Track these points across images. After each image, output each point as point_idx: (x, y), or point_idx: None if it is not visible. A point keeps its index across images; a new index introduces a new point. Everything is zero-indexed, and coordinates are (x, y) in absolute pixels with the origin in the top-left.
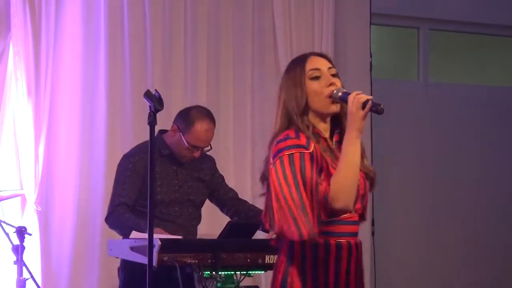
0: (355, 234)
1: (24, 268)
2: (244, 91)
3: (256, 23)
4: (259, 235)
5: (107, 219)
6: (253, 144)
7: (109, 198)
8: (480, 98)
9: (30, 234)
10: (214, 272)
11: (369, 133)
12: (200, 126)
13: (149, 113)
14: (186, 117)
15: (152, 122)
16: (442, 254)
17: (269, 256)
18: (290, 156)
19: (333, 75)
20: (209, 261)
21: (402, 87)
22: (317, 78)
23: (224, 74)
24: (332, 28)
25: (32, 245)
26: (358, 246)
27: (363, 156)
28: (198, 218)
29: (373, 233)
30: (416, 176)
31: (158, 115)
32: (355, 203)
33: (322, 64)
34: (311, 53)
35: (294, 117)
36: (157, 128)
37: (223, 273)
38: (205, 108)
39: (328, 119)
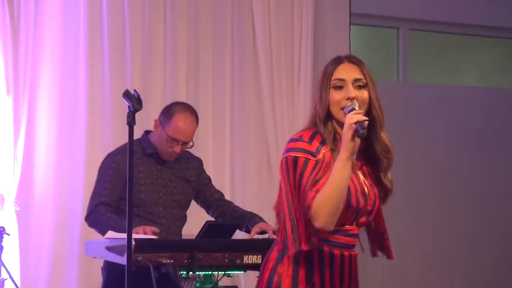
0: (351, 246)
1: (2, 268)
2: (223, 91)
3: (235, 23)
4: (239, 235)
5: (86, 218)
6: (232, 143)
7: (88, 197)
8: (460, 98)
9: (8, 234)
10: (191, 272)
11: None
12: (179, 118)
13: (128, 113)
14: (167, 110)
15: (131, 122)
16: (429, 257)
17: (248, 256)
18: (295, 158)
19: (360, 86)
20: (185, 261)
21: (381, 88)
22: (339, 88)
23: (203, 73)
24: (312, 27)
25: (11, 245)
26: (352, 258)
27: (386, 170)
28: (183, 219)
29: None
30: (396, 177)
31: (137, 114)
32: (360, 217)
33: (350, 75)
34: (347, 57)
35: (317, 118)
36: (136, 128)
37: (201, 273)
38: (188, 104)
39: None
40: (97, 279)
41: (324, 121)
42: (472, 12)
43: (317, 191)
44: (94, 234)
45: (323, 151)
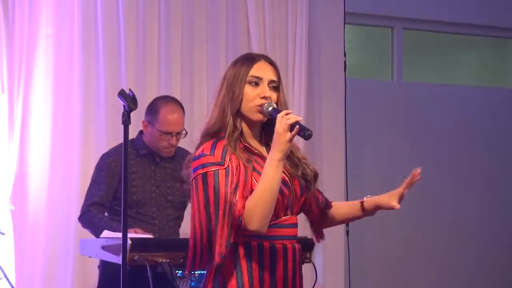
0: (292, 238)
1: None
2: None
3: (230, 24)
4: None
5: (80, 218)
6: None
7: (83, 196)
8: (454, 97)
9: (3, 234)
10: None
11: (343, 132)
12: (165, 110)
13: (123, 112)
14: (151, 108)
15: (126, 121)
16: (417, 252)
17: None
18: (204, 175)
19: (274, 88)
20: (181, 260)
21: (376, 87)
22: (255, 84)
23: (198, 73)
24: (306, 27)
25: (6, 244)
26: (295, 249)
27: (300, 159)
28: (177, 219)
29: (347, 232)
30: (391, 176)
31: (132, 114)
32: (293, 206)
33: (267, 74)
34: (263, 56)
35: (226, 112)
36: (131, 128)
37: (196, 272)
38: (168, 96)
39: (258, 126)
40: (92, 278)
41: (234, 117)
42: (466, 11)
43: (244, 198)
44: (89, 233)
45: (228, 157)
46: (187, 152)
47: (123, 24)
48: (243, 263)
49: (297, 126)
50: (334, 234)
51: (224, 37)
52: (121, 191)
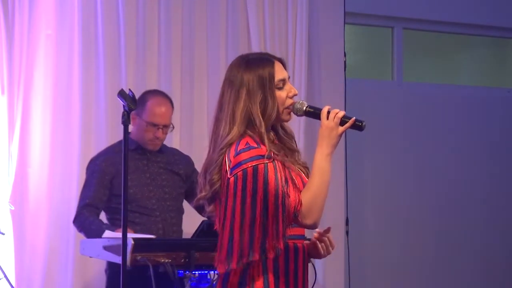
0: (302, 237)
1: None
2: (219, 92)
3: (230, 24)
4: None
5: (73, 222)
6: None
7: None
8: (455, 98)
9: (3, 234)
10: (187, 272)
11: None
12: (153, 102)
13: (123, 112)
14: (140, 100)
15: (126, 121)
16: (417, 253)
17: None
18: (255, 168)
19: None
20: (182, 260)
21: (376, 87)
22: (281, 88)
23: (198, 75)
24: (306, 27)
25: (6, 244)
26: (305, 249)
27: (299, 153)
28: (178, 211)
29: (347, 233)
30: (390, 176)
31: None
32: None
33: (285, 74)
34: (273, 57)
35: (258, 122)
36: (131, 128)
37: (197, 272)
38: (158, 90)
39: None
40: (92, 279)
41: (265, 122)
42: (466, 11)
43: (297, 191)
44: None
45: (272, 153)
46: (178, 151)
47: (123, 24)
48: (269, 263)
49: (353, 118)
50: (333, 234)
51: (224, 37)
52: (117, 189)
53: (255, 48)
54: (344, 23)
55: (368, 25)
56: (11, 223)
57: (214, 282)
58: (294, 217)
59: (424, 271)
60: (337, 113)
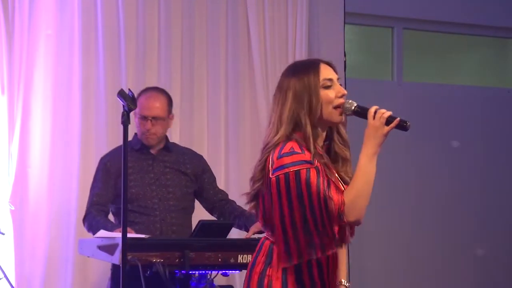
0: None
1: None
2: (218, 91)
3: (230, 24)
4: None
5: (83, 221)
6: (227, 144)
7: (83, 196)
8: (455, 98)
9: (3, 234)
10: (183, 272)
11: None
12: (143, 96)
13: (123, 112)
14: (136, 98)
15: (125, 121)
16: (417, 253)
17: (242, 255)
18: (297, 173)
19: (340, 85)
20: (177, 260)
21: (376, 87)
22: (328, 87)
23: (198, 75)
24: (306, 27)
25: (6, 244)
26: (335, 255)
27: (350, 164)
28: (183, 211)
29: None
30: (390, 176)
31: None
32: None
33: (334, 74)
34: (318, 59)
35: (304, 123)
36: (131, 128)
37: (196, 272)
38: (156, 87)
39: (325, 129)
40: (92, 279)
41: (311, 124)
42: (466, 11)
43: (340, 193)
44: (88, 233)
45: (316, 159)
46: (189, 150)
47: (123, 24)
48: (291, 266)
49: (398, 118)
50: None
51: (224, 37)
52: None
53: (255, 48)
54: (344, 23)
55: (368, 25)
56: (11, 223)
57: (212, 282)
58: (339, 219)
59: (424, 271)
60: (383, 113)
